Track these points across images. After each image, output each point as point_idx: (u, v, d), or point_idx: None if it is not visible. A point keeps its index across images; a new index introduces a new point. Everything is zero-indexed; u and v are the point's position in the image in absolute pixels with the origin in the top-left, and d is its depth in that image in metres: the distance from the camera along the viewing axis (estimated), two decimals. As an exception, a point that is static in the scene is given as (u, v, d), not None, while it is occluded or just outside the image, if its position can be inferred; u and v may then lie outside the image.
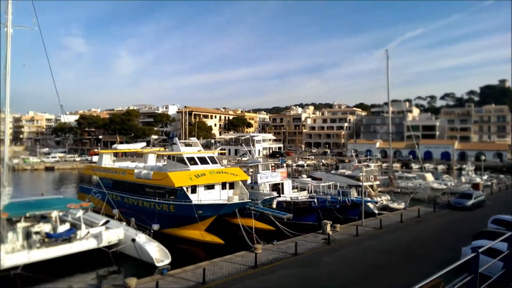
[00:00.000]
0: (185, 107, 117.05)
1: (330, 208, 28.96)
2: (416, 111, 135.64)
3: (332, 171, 49.11)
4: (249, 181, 31.46)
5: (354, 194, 32.07)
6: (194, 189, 26.66)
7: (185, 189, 25.71)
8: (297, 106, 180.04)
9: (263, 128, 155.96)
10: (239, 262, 17.80)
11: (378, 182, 39.38)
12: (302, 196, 32.05)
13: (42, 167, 79.87)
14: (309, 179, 42.91)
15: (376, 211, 31.37)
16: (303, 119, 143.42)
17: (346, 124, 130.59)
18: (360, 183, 29.89)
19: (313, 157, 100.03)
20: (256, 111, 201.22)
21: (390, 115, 49.64)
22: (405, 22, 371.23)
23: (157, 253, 19.67)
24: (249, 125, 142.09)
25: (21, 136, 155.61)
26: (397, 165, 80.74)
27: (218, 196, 27.76)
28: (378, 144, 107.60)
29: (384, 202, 34.45)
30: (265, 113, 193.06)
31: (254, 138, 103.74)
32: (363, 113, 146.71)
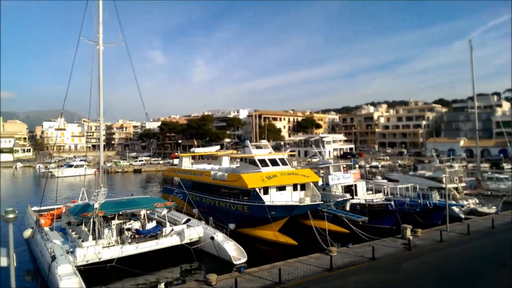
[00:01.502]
0: (255, 110, 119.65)
1: (409, 211, 27.35)
2: (506, 105, 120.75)
3: (410, 172, 46.16)
4: (320, 183, 31.12)
5: (436, 197, 29.83)
6: (266, 190, 27.19)
7: (257, 190, 26.33)
8: (369, 105, 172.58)
9: (333, 128, 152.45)
10: (314, 264, 17.79)
11: (463, 184, 36.05)
12: (378, 198, 30.74)
13: (131, 169, 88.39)
14: (385, 180, 40.92)
15: (463, 216, 28.82)
16: (375, 118, 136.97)
17: (424, 122, 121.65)
18: (443, 185, 27.72)
19: (388, 157, 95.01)
20: (325, 111, 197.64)
21: (476, 110, 45.10)
22: (486, 10, 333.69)
23: (234, 251, 20.49)
24: (318, 126, 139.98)
25: (112, 142, 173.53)
26: (485, 165, 72.68)
27: (289, 198, 27.94)
28: (462, 143, 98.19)
29: (472, 206, 31.44)
30: (334, 113, 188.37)
31: (324, 139, 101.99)
32: (444, 110, 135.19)
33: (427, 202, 27.97)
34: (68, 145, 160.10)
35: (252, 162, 29.94)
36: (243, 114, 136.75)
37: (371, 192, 33.28)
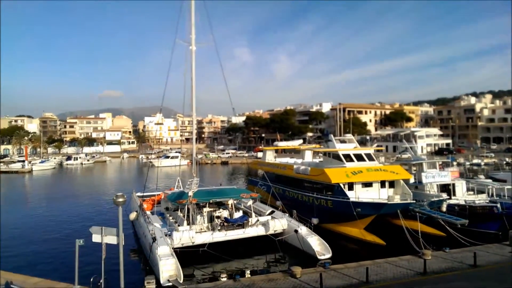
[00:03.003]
0: (339, 103, 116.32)
1: (520, 216, 23.93)
2: None
3: (522, 172, 40.28)
4: (412, 180, 29.06)
5: (555, 201, 25.58)
6: (351, 186, 26.37)
7: (342, 186, 25.70)
8: (469, 96, 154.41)
9: (426, 122, 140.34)
10: (405, 266, 16.75)
11: None
12: (480, 199, 27.50)
13: (219, 161, 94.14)
14: (489, 180, 36.36)
15: None
16: (477, 110, 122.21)
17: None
18: None
19: (492, 154, 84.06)
20: (416, 103, 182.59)
21: None
22: None
23: (318, 246, 20.34)
24: (409, 120, 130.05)
25: (202, 135, 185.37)
26: None
27: (376, 195, 26.69)
28: None
29: None
30: (428, 105, 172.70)
31: (415, 133, 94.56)
32: None
33: None
34: (165, 138, 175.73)
35: (336, 156, 29.30)
36: (326, 108, 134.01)
37: (472, 192, 29.91)
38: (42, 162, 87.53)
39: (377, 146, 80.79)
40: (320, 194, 27.03)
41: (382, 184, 27.26)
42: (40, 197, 47.21)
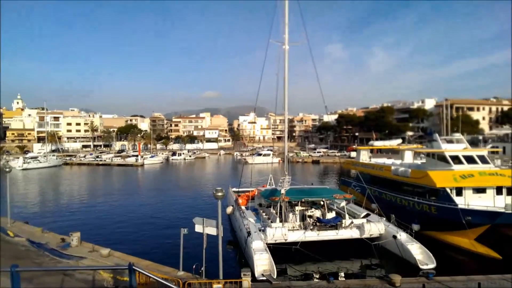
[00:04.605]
0: (445, 99, 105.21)
1: None
2: None
3: None
4: (539, 188, 24.83)
5: None
6: (459, 192, 23.74)
7: (448, 191, 23.34)
8: None
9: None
10: (528, 286, 14.48)
11: None
12: None
13: (309, 160, 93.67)
14: None
15: None
16: None
17: None
18: None
19: None
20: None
21: None
22: None
23: (420, 254, 18.84)
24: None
25: (293, 134, 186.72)
26: None
27: (491, 203, 23.50)
28: None
29: None
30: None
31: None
32: None
33: None
34: (258, 136, 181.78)
35: (441, 158, 26.74)
36: (429, 104, 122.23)
37: None
38: (152, 157, 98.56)
39: (493, 147, 70.94)
40: (422, 198, 24.97)
41: (499, 190, 23.97)
42: (150, 188, 53.24)
